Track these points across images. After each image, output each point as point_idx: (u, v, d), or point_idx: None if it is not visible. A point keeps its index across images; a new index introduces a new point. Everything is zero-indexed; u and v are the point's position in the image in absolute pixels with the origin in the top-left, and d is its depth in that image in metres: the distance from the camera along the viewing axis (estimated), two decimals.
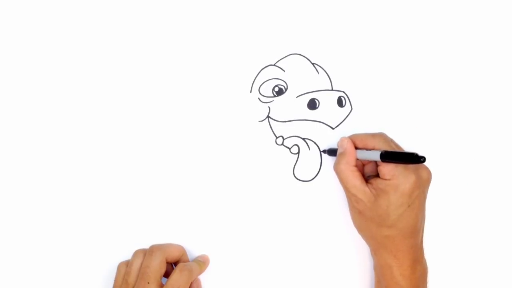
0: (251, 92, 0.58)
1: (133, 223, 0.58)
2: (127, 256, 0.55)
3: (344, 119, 0.58)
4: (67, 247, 0.58)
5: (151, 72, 0.59)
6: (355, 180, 0.51)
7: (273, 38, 0.58)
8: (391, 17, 0.58)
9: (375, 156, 0.50)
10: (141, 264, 0.53)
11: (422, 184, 0.50)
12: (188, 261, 0.56)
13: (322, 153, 0.57)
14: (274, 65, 0.58)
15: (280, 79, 0.58)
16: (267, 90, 0.58)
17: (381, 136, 0.53)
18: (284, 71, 0.58)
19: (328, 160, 0.57)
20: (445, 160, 0.57)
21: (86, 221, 0.58)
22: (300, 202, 0.57)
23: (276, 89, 0.58)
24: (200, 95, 0.58)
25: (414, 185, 0.49)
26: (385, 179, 0.50)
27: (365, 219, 0.52)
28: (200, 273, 0.56)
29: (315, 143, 0.58)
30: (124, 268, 0.54)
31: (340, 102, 0.58)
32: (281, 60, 0.58)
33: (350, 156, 0.52)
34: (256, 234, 0.57)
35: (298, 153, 0.58)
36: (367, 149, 0.52)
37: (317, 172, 0.58)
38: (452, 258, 0.57)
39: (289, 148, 0.58)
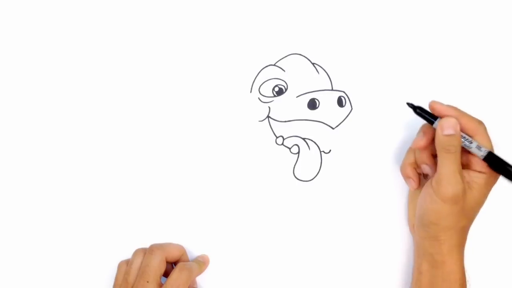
0: (251, 92, 0.58)
1: (133, 223, 0.58)
2: (128, 255, 0.56)
3: (344, 119, 0.58)
4: (67, 246, 0.58)
5: (151, 72, 0.59)
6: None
7: (273, 38, 0.58)
8: (391, 17, 0.58)
9: (479, 153, 0.49)
10: (141, 263, 0.53)
11: None
12: (188, 261, 0.56)
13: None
14: (274, 65, 0.58)
15: (280, 79, 0.58)
16: (267, 90, 0.58)
17: (484, 128, 0.50)
18: (284, 71, 0.58)
19: (328, 160, 0.57)
20: None
21: (86, 221, 0.58)
22: (300, 202, 0.57)
23: (276, 89, 0.58)
24: (200, 95, 0.58)
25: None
26: (481, 172, 0.50)
27: (456, 209, 0.49)
28: (200, 273, 0.56)
29: (315, 143, 0.58)
30: (124, 267, 0.54)
31: (340, 102, 0.58)
32: (281, 60, 0.58)
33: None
34: (256, 234, 0.57)
35: (298, 153, 0.58)
36: (468, 135, 0.49)
37: (317, 172, 0.57)
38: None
39: (289, 148, 0.58)
